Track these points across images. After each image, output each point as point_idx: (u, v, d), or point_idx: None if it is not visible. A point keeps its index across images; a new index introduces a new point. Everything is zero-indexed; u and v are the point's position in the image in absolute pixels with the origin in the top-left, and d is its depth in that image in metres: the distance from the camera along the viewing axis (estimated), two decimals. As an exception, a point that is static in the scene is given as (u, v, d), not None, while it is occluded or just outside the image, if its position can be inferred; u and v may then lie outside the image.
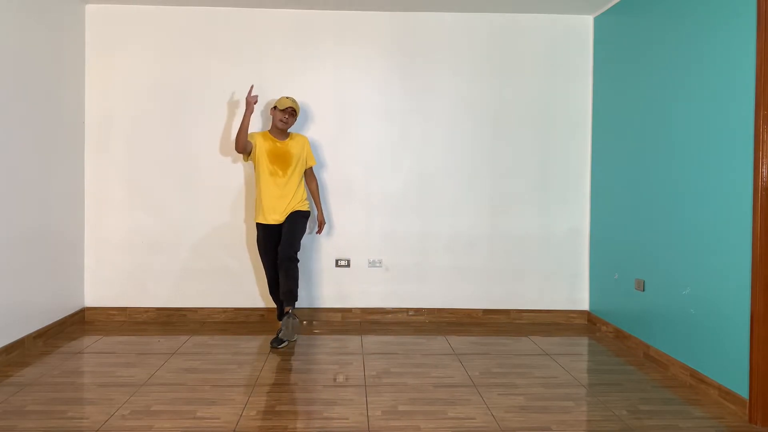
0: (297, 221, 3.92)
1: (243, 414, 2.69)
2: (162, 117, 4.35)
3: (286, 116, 3.89)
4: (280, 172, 3.89)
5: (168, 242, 4.38)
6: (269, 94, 4.34)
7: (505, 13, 4.42)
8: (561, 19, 4.44)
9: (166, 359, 3.47)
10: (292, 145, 3.96)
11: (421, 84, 4.42)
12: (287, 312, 3.74)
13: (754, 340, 2.65)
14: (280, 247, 3.81)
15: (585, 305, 4.53)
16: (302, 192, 4.01)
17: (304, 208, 3.99)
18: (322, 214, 4.18)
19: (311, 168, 4.13)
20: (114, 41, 4.33)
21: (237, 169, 4.38)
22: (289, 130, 4.05)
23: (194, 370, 3.28)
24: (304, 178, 4.08)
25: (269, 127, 4.10)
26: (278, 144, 3.92)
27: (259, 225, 3.96)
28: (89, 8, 4.31)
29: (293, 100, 3.93)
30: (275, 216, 3.89)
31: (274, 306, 4.35)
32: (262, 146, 3.91)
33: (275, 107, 3.91)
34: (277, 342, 3.70)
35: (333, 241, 4.41)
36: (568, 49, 4.46)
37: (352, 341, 3.93)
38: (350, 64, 4.40)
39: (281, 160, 3.90)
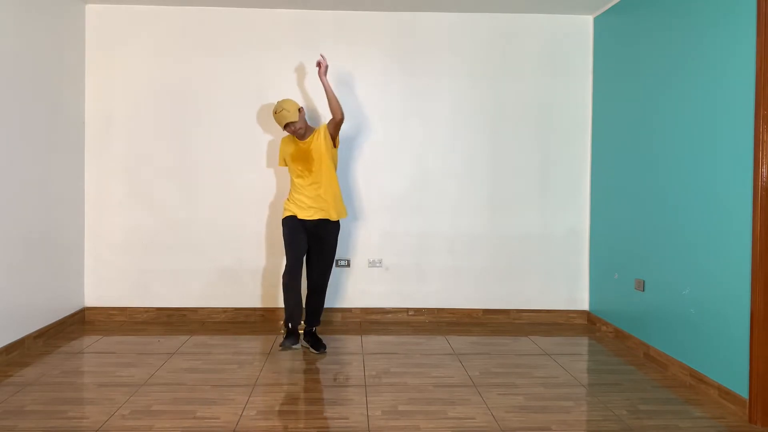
0: (332, 248, 3.78)
1: (243, 414, 2.69)
2: (162, 117, 4.35)
3: (293, 129, 3.67)
4: (306, 172, 3.71)
5: (168, 242, 4.38)
6: (269, 93, 4.34)
7: (505, 13, 4.42)
8: (561, 19, 4.44)
9: (166, 359, 3.47)
10: (314, 143, 3.71)
11: (421, 84, 4.42)
12: (312, 331, 3.78)
13: (753, 340, 2.65)
14: (314, 274, 3.76)
15: (585, 305, 4.53)
16: (337, 189, 3.76)
17: (334, 217, 3.72)
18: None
19: (332, 124, 3.73)
20: (114, 41, 4.32)
21: (237, 168, 4.38)
22: (311, 124, 3.91)
23: (194, 370, 3.28)
24: (335, 178, 3.78)
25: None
26: (300, 144, 3.75)
27: (289, 218, 3.74)
28: (89, 8, 4.31)
29: (284, 111, 3.61)
30: (309, 213, 3.70)
31: (274, 306, 4.36)
32: (287, 150, 3.82)
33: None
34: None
35: (333, 241, 4.41)
36: (568, 49, 4.46)
37: (352, 341, 3.92)
38: (350, 64, 4.39)
39: (304, 160, 3.71)
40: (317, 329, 3.89)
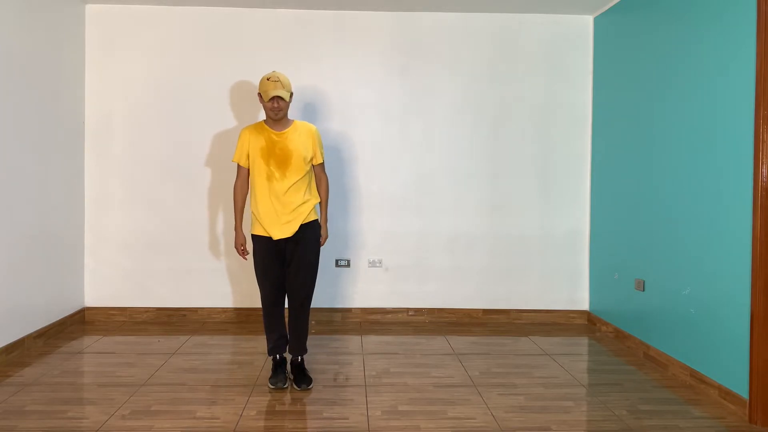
0: (313, 251, 3.12)
1: (243, 414, 2.69)
2: (162, 117, 4.35)
3: (276, 106, 2.98)
4: (277, 174, 3.02)
5: (168, 242, 4.38)
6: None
7: (505, 13, 4.42)
8: (561, 19, 4.44)
9: (166, 359, 3.47)
10: (293, 138, 3.04)
11: (421, 84, 4.42)
12: (299, 362, 3.14)
13: (754, 340, 2.65)
14: (294, 283, 3.07)
15: (585, 305, 4.53)
16: (310, 196, 3.13)
17: (312, 218, 3.13)
18: (325, 227, 3.26)
19: (320, 165, 3.20)
20: (114, 41, 4.32)
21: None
22: (291, 117, 3.27)
23: (194, 370, 3.28)
24: (312, 178, 3.19)
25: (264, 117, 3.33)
26: (274, 136, 3.04)
27: (256, 237, 3.10)
28: (89, 8, 4.31)
29: (278, 83, 2.97)
30: (277, 230, 3.03)
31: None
32: (255, 143, 3.06)
33: (260, 95, 3.04)
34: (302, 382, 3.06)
35: (333, 241, 4.40)
36: (568, 49, 4.46)
37: (352, 341, 3.93)
38: (350, 64, 4.39)
39: (278, 158, 3.02)
40: (304, 358, 3.21)
